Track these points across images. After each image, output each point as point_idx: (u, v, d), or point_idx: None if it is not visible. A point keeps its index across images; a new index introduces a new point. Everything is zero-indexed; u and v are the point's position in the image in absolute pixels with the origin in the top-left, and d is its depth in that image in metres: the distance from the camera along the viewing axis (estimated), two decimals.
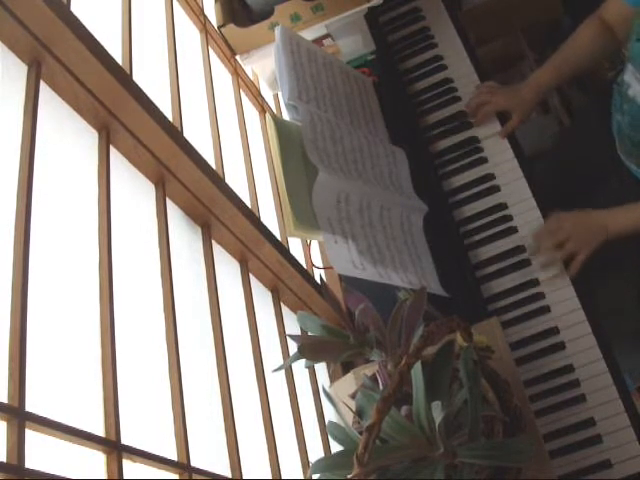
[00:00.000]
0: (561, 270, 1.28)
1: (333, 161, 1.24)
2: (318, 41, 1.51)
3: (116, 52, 0.98)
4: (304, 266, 1.45)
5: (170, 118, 1.06)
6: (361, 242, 1.17)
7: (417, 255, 1.26)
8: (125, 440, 0.77)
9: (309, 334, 0.97)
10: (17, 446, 0.62)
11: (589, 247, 1.27)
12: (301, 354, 0.88)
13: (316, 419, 1.32)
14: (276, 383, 1.21)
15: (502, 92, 1.48)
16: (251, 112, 1.58)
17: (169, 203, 1.05)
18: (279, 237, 1.37)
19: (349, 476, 0.71)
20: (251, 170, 1.40)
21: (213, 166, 1.16)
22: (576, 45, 1.46)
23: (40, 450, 0.65)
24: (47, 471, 0.64)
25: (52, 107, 0.86)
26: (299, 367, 1.18)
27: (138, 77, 1.00)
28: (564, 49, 1.47)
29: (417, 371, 0.78)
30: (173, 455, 0.87)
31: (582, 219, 1.30)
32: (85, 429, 0.71)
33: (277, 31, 1.35)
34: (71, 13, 0.85)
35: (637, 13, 1.28)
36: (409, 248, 1.25)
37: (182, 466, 0.86)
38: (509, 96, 1.47)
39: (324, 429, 1.31)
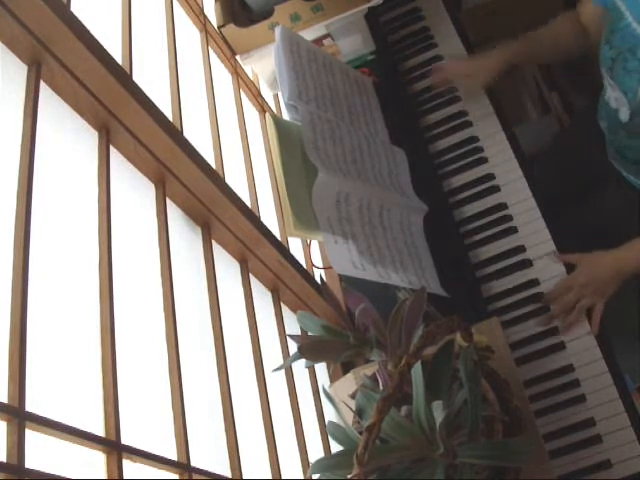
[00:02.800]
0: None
1: (333, 161, 1.24)
2: (318, 41, 1.51)
3: (116, 52, 0.98)
4: (304, 266, 1.45)
5: (170, 118, 1.06)
6: (361, 242, 1.17)
7: (417, 255, 1.26)
8: (125, 440, 0.77)
9: (309, 334, 0.97)
10: (17, 446, 0.61)
11: (604, 297, 1.25)
12: (301, 354, 0.88)
13: (316, 419, 1.32)
14: (276, 383, 1.21)
15: (467, 59, 1.51)
16: (251, 112, 1.58)
17: (169, 203, 1.05)
18: (279, 237, 1.37)
19: (349, 476, 0.71)
20: (251, 170, 1.40)
21: (213, 166, 1.16)
22: (551, 34, 1.48)
23: (40, 450, 0.65)
24: (47, 471, 0.64)
25: (52, 107, 0.86)
26: (299, 367, 1.18)
27: (138, 77, 1.00)
28: (540, 33, 1.48)
29: (417, 371, 0.78)
30: (173, 455, 0.87)
31: (591, 272, 1.26)
32: (85, 429, 0.71)
33: (277, 31, 1.35)
34: (71, 13, 0.85)
35: (603, 15, 1.29)
36: (409, 248, 1.25)
37: (182, 466, 0.86)
38: (471, 61, 1.50)
39: (324, 429, 1.31)
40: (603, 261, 1.28)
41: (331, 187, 1.19)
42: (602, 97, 1.39)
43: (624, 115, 1.31)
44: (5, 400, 0.63)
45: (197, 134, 1.18)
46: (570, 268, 1.30)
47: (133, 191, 0.99)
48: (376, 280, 1.14)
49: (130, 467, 0.76)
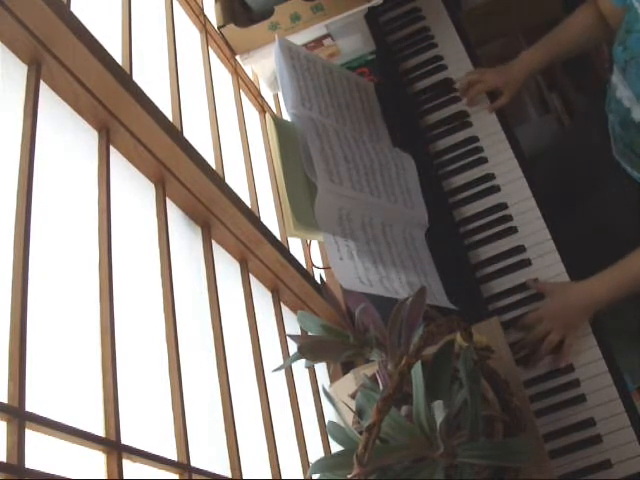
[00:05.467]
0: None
1: (342, 169, 1.24)
2: (318, 41, 1.51)
3: (116, 52, 0.98)
4: (304, 266, 1.45)
5: (170, 118, 1.06)
6: (366, 258, 1.18)
7: (422, 269, 1.26)
8: (125, 440, 0.77)
9: (309, 334, 0.97)
10: (17, 446, 0.61)
11: (574, 330, 1.24)
12: (301, 354, 0.88)
13: (316, 419, 1.32)
14: (276, 383, 1.21)
15: (492, 71, 1.50)
16: (251, 112, 1.58)
17: (169, 203, 1.05)
18: (279, 237, 1.37)
19: (349, 476, 0.71)
20: (251, 170, 1.40)
21: (213, 166, 1.16)
22: (570, 28, 1.47)
23: (40, 450, 0.65)
24: (47, 471, 0.64)
25: (52, 107, 0.86)
26: (299, 367, 1.18)
27: (138, 77, 1.00)
28: (558, 30, 1.48)
29: (417, 371, 0.78)
30: (173, 455, 0.87)
31: (562, 303, 1.25)
32: (85, 429, 0.71)
33: (276, 44, 1.35)
34: (71, 13, 0.85)
35: (621, 13, 1.28)
36: (414, 263, 1.25)
37: (182, 466, 0.86)
38: (499, 75, 1.49)
39: (324, 429, 1.31)
40: (574, 292, 1.26)
41: (332, 205, 1.19)
42: (612, 91, 1.39)
43: (637, 114, 1.30)
44: (5, 400, 0.63)
45: (197, 134, 1.18)
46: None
47: (133, 191, 0.99)
48: (383, 295, 1.14)
49: (130, 467, 0.76)
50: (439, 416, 0.74)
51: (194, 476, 0.87)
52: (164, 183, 1.04)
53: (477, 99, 1.48)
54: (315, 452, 1.25)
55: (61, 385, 0.73)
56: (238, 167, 1.37)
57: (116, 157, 0.96)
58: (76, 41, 0.83)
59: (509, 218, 1.37)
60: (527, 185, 1.39)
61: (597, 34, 1.46)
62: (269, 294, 1.34)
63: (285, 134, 1.26)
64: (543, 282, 1.30)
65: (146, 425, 0.85)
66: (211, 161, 1.17)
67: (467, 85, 1.49)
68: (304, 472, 1.18)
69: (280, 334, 1.30)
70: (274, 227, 1.42)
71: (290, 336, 0.97)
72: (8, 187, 0.74)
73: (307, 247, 1.53)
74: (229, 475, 0.97)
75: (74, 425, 0.69)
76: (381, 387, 0.91)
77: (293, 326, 1.36)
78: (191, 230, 1.12)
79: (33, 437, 0.64)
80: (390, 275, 1.19)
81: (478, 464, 0.81)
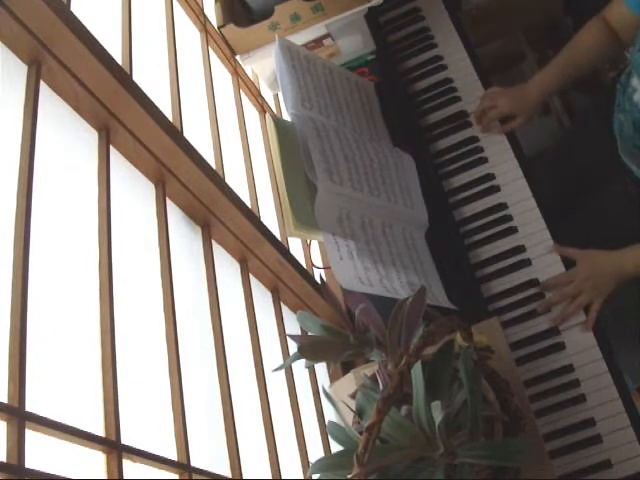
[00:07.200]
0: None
1: (342, 169, 1.24)
2: (318, 41, 1.51)
3: (116, 52, 0.98)
4: (304, 266, 1.45)
5: (170, 118, 1.06)
6: (366, 258, 1.18)
7: (423, 270, 1.26)
8: (125, 440, 0.77)
9: (309, 334, 0.97)
10: (17, 446, 0.62)
11: (602, 295, 1.26)
12: (301, 354, 0.88)
13: (316, 419, 1.32)
14: (276, 383, 1.21)
15: (507, 96, 1.47)
16: (251, 112, 1.58)
17: (169, 203, 1.05)
18: (279, 237, 1.37)
19: (349, 476, 0.71)
20: (251, 170, 1.40)
21: (213, 166, 1.16)
22: (580, 46, 1.45)
23: (40, 450, 0.65)
24: (47, 471, 0.64)
25: (52, 107, 0.86)
26: (299, 367, 1.18)
27: (138, 77, 1.00)
28: (568, 50, 1.46)
29: (417, 371, 0.78)
30: (173, 455, 0.87)
31: (592, 268, 1.27)
32: (85, 429, 0.71)
33: (276, 44, 1.35)
34: (71, 13, 0.85)
35: (634, 23, 1.28)
36: (414, 263, 1.25)
37: (182, 466, 0.86)
38: (514, 99, 1.47)
39: (324, 429, 1.31)
40: (604, 259, 1.28)
41: (332, 204, 1.19)
42: (625, 93, 1.38)
43: None
44: (5, 400, 0.63)
45: (197, 134, 1.18)
46: (569, 266, 1.30)
47: (133, 191, 0.99)
48: (383, 295, 1.14)
49: (130, 467, 0.76)
50: (438, 416, 0.74)
51: (194, 476, 0.87)
52: (164, 183, 1.04)
53: (491, 126, 1.47)
54: (315, 452, 1.25)
55: (61, 385, 0.73)
56: (238, 167, 1.37)
57: (116, 157, 0.96)
58: (76, 41, 0.83)
59: (509, 218, 1.37)
60: (527, 185, 1.39)
61: (608, 49, 1.44)
62: (269, 294, 1.35)
63: (285, 134, 1.26)
64: (567, 248, 1.31)
65: (146, 425, 0.85)
66: (211, 161, 1.18)
67: (482, 112, 1.47)
68: (304, 472, 1.18)
69: (280, 334, 1.30)
70: (274, 227, 1.42)
71: (290, 336, 0.97)
72: (8, 187, 0.74)
73: (307, 247, 1.53)
74: (229, 475, 0.97)
75: (74, 425, 0.69)
76: (381, 387, 0.91)
77: (293, 326, 1.36)
78: (191, 230, 1.12)
79: (33, 437, 0.64)
80: (390, 275, 1.19)
81: (478, 464, 0.81)
